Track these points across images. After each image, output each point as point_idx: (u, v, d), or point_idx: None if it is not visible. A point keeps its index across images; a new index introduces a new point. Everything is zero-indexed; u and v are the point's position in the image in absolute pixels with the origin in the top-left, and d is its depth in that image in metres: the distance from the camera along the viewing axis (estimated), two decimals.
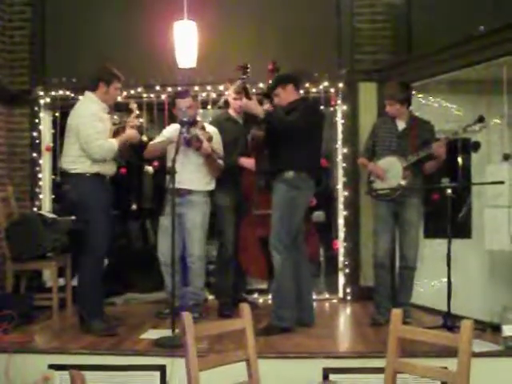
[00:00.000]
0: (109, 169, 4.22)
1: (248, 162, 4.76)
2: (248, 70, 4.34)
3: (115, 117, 4.52)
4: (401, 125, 4.49)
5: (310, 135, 4.20)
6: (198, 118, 4.69)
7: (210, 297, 5.36)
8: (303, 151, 4.16)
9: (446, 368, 2.92)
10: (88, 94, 4.25)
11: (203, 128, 4.55)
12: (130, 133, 4.23)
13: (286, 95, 4.27)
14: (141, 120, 4.31)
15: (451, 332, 3.71)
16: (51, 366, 3.65)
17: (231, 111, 4.92)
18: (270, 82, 4.37)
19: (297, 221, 4.21)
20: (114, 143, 4.13)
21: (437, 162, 4.37)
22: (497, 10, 4.24)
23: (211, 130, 4.63)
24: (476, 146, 4.69)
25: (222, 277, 4.92)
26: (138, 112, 4.34)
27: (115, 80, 4.24)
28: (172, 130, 4.65)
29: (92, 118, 4.08)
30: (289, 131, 4.09)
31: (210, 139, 4.46)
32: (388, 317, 4.12)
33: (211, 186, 4.67)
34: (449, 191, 4.07)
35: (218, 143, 4.63)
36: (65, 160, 4.21)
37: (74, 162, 4.14)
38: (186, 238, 4.60)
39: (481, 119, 4.11)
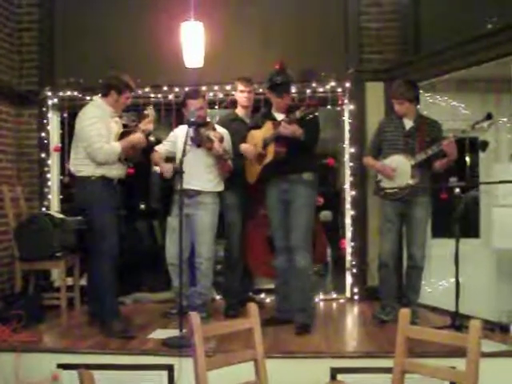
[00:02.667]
0: (116, 172, 4.23)
1: (247, 148, 4.51)
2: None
3: (124, 117, 4.52)
4: (408, 123, 4.48)
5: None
6: (208, 119, 4.68)
7: (218, 296, 5.37)
8: (314, 152, 4.38)
9: (454, 368, 2.92)
10: (96, 98, 4.30)
11: (214, 129, 4.55)
12: (136, 137, 4.21)
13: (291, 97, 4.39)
14: (152, 127, 4.29)
15: (459, 332, 3.69)
16: (60, 365, 3.68)
17: (238, 111, 4.92)
18: (280, 79, 4.21)
19: None
20: (117, 146, 4.14)
21: (447, 161, 4.35)
22: (504, 8, 4.22)
23: (221, 130, 4.63)
24: (484, 145, 4.67)
25: (229, 277, 4.92)
26: (153, 118, 4.31)
27: (127, 90, 4.28)
28: (178, 133, 4.64)
29: (94, 121, 4.10)
30: (312, 144, 4.28)
31: (221, 139, 4.46)
32: (394, 316, 4.19)
33: (221, 187, 4.66)
34: (457, 190, 4.06)
35: (228, 144, 4.63)
36: (72, 163, 4.27)
37: (80, 165, 4.18)
38: (195, 238, 4.60)
39: (489, 116, 4.09)
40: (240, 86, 4.82)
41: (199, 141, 4.44)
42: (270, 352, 3.26)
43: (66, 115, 5.62)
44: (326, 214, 7.37)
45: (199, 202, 4.55)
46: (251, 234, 4.85)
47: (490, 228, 4.84)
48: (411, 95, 4.42)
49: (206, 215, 4.56)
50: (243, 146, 4.46)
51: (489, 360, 3.28)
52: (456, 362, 3.13)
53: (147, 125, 4.24)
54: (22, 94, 5.66)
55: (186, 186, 4.28)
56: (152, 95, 5.50)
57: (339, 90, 5.43)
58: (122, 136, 4.23)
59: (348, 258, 5.50)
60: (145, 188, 7.94)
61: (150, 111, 4.32)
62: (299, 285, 4.25)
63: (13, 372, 3.65)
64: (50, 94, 5.61)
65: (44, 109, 5.65)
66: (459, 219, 4.08)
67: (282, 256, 4.38)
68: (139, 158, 4.45)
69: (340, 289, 5.61)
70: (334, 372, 3.53)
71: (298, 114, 4.05)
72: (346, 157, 5.50)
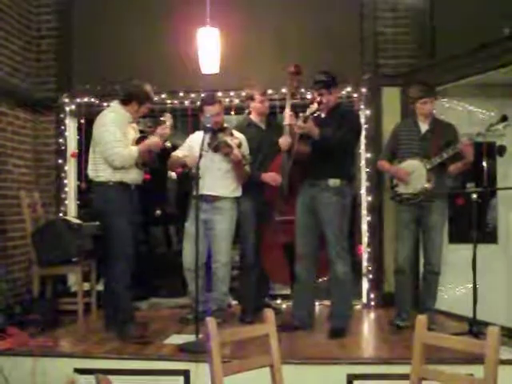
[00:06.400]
0: (133, 178, 4.25)
1: (269, 177, 4.70)
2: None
3: (141, 123, 4.55)
4: (423, 127, 4.46)
5: (354, 145, 4.45)
6: (225, 125, 4.69)
7: (234, 302, 5.36)
8: (347, 159, 4.34)
9: (472, 375, 2.89)
10: (114, 104, 4.31)
11: (231, 134, 4.56)
12: (152, 140, 4.23)
13: (335, 97, 4.37)
14: (169, 132, 4.32)
15: (477, 339, 3.66)
16: (76, 370, 3.70)
17: (253, 117, 4.92)
18: (323, 77, 4.27)
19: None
20: (134, 150, 4.16)
21: (463, 164, 4.32)
22: None
23: (239, 136, 4.63)
24: (502, 149, 4.64)
25: (244, 282, 4.92)
26: (170, 124, 4.34)
27: (148, 102, 4.32)
28: (195, 139, 4.65)
29: (111, 126, 4.12)
30: (341, 147, 4.18)
31: (239, 145, 4.47)
32: (409, 322, 4.18)
33: (238, 193, 4.67)
34: (474, 196, 4.04)
35: (246, 149, 4.64)
36: (90, 168, 4.30)
37: (98, 171, 4.20)
38: (213, 244, 4.61)
39: (504, 118, 4.07)
40: (258, 96, 4.81)
41: (217, 146, 4.45)
42: (286, 358, 3.25)
43: (83, 121, 5.67)
44: None
45: (217, 207, 4.56)
46: (267, 241, 4.84)
47: (508, 233, 4.80)
48: (435, 92, 4.43)
49: (224, 221, 4.57)
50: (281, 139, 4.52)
51: (507, 367, 3.26)
52: (474, 369, 3.10)
53: (164, 130, 4.26)
54: (39, 101, 5.72)
55: (204, 191, 4.33)
56: (168, 101, 5.53)
57: (355, 95, 5.43)
58: (138, 141, 4.25)
59: (364, 263, 5.48)
60: (161, 194, 7.97)
61: (167, 118, 4.35)
62: (337, 292, 4.28)
63: (30, 376, 3.68)
64: (67, 100, 5.66)
65: (61, 115, 5.70)
66: (479, 225, 4.05)
67: (300, 263, 4.37)
68: (156, 164, 4.47)
69: (356, 294, 5.58)
70: (351, 378, 3.51)
71: (307, 112, 4.12)
72: (362, 162, 5.48)
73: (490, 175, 5.01)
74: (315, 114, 4.15)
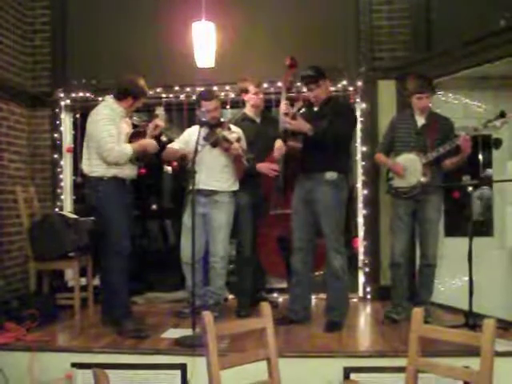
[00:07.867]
0: (128, 173, 4.23)
1: (264, 167, 4.71)
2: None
3: (135, 118, 4.54)
4: (420, 121, 4.46)
5: (350, 137, 4.39)
6: (222, 120, 4.68)
7: (231, 296, 5.37)
8: (343, 152, 4.29)
9: (468, 367, 2.90)
10: (108, 99, 4.29)
11: (229, 128, 4.55)
12: (148, 142, 4.22)
13: (325, 90, 4.30)
14: (163, 125, 4.31)
15: (473, 331, 3.67)
16: (74, 365, 3.70)
17: (248, 111, 4.91)
18: (309, 72, 4.22)
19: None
20: (128, 148, 4.14)
21: (460, 158, 4.31)
22: None
23: (237, 131, 4.62)
24: (497, 142, 4.64)
25: (241, 276, 4.92)
26: (163, 118, 4.33)
27: (143, 96, 4.31)
28: (192, 133, 4.63)
29: (104, 122, 4.11)
30: (336, 140, 4.13)
31: (238, 139, 4.46)
32: (405, 315, 4.19)
33: (236, 187, 4.67)
34: (470, 189, 4.04)
35: (244, 144, 4.63)
36: (84, 164, 4.28)
37: (92, 166, 4.19)
38: (210, 238, 4.61)
39: (502, 114, 4.06)
40: (253, 88, 4.80)
41: (216, 141, 4.45)
42: (282, 351, 3.26)
43: (78, 116, 5.65)
44: None
45: (215, 201, 4.56)
46: (263, 234, 4.85)
47: (503, 226, 4.81)
48: (433, 87, 4.41)
49: (222, 214, 4.57)
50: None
51: (503, 359, 3.28)
52: (470, 362, 3.12)
53: (158, 122, 4.25)
54: (34, 96, 5.70)
55: (202, 186, 4.34)
56: (163, 95, 5.51)
57: (351, 88, 5.42)
58: (132, 136, 4.24)
59: (360, 257, 5.49)
60: (157, 188, 7.98)
61: (159, 111, 4.34)
62: (333, 285, 4.28)
63: (27, 371, 3.68)
64: (62, 95, 5.64)
65: (57, 110, 5.68)
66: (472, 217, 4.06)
67: (297, 256, 4.37)
68: (151, 160, 4.46)
69: (353, 288, 5.58)
70: (348, 371, 3.53)
71: (293, 109, 4.13)
72: (358, 156, 5.48)
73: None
74: (301, 111, 4.17)
